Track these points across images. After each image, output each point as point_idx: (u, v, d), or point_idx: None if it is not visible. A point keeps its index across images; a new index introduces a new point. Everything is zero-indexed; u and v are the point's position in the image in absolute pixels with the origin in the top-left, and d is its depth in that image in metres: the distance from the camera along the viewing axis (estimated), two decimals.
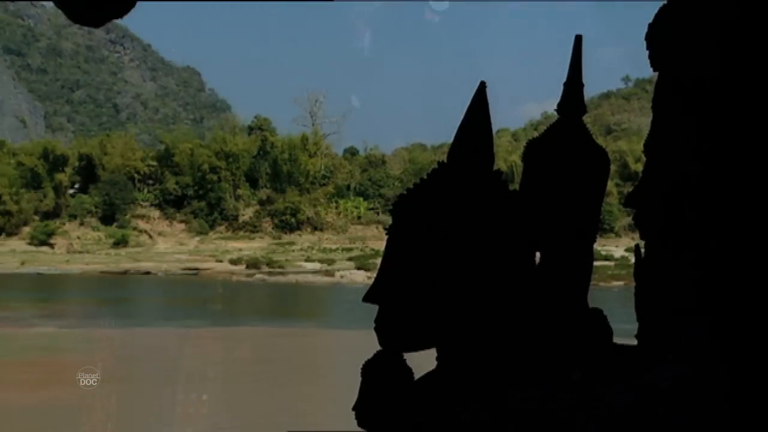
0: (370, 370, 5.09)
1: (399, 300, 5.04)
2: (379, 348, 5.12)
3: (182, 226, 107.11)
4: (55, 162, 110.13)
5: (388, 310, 5.06)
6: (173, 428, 29.83)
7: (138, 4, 5.18)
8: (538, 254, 5.25)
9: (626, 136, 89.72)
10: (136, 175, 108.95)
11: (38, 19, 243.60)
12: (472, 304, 4.96)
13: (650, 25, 4.96)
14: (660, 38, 4.92)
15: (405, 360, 5.10)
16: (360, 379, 5.14)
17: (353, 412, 5.13)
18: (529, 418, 4.77)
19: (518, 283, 5.04)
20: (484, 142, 5.22)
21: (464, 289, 4.95)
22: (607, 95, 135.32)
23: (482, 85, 5.27)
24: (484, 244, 4.99)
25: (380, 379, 5.07)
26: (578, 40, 5.39)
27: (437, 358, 5.15)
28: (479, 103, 5.23)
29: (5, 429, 29.12)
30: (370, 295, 5.12)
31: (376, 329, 5.07)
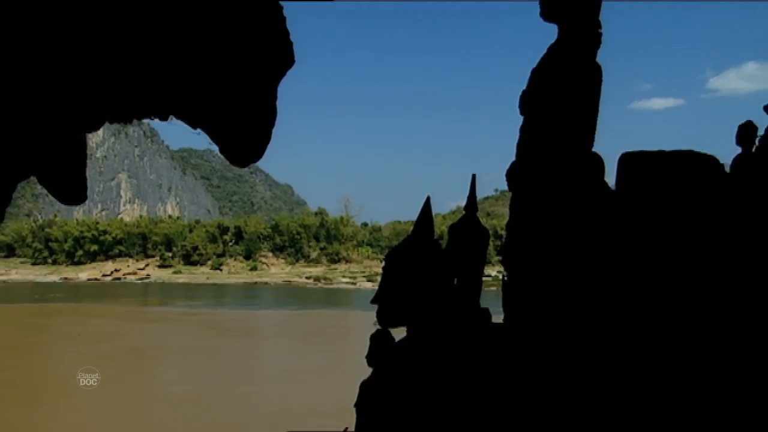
0: (374, 337, 5.06)
1: (388, 301, 5.04)
2: (378, 327, 5.08)
3: (282, 260, 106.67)
4: (223, 229, 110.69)
5: (383, 307, 5.05)
6: (305, 358, 29.48)
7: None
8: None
9: (497, 218, 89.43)
10: (261, 236, 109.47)
11: (216, 161, 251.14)
12: (424, 301, 4.95)
13: (508, 171, 4.96)
14: (512, 179, 4.93)
15: (390, 332, 5.10)
16: (369, 341, 5.13)
17: (366, 360, 5.09)
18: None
19: (444, 293, 5.03)
20: (428, 228, 5.22)
21: (418, 296, 4.95)
22: (487, 197, 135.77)
23: (428, 198, 5.28)
24: (428, 273, 5.00)
25: (379, 342, 5.05)
26: (473, 177, 5.40)
27: (406, 331, 5.11)
28: (426, 208, 5.24)
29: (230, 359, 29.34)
30: (374, 299, 5.10)
31: (376, 316, 5.05)
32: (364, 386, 4.89)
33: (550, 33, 4.71)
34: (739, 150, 5.92)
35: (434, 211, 5.43)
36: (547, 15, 4.65)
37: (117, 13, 3.30)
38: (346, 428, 4.82)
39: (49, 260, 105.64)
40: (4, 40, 3.11)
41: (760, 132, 5.90)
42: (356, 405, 4.89)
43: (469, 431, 4.52)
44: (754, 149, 5.84)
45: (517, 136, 4.94)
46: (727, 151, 5.75)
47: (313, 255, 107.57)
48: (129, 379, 24.37)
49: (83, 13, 3.24)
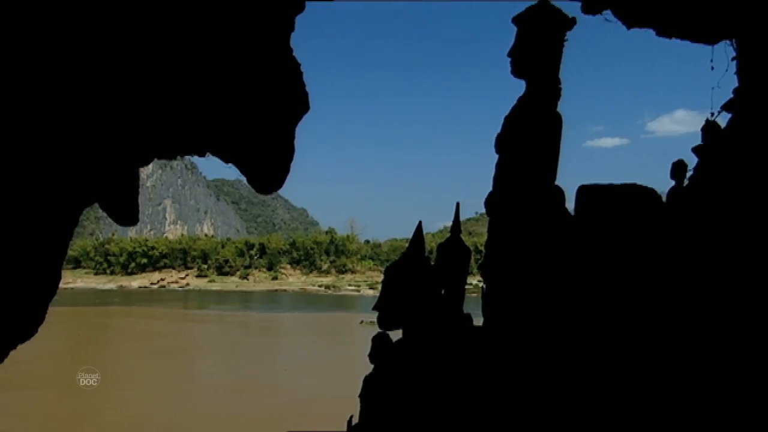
0: (375, 339, 4.90)
1: (387, 308, 4.94)
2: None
3: (299, 271, 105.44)
4: (250, 246, 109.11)
5: (383, 313, 4.94)
6: (318, 353, 28.63)
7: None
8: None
9: (477, 236, 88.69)
10: (281, 251, 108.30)
11: (244, 189, 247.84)
12: (417, 308, 4.87)
13: (486, 199, 4.92)
14: (489, 206, 4.90)
15: (389, 335, 4.97)
16: (371, 342, 4.99)
17: (368, 357, 4.93)
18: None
19: (433, 301, 4.94)
20: (420, 247, 5.11)
21: (412, 303, 4.86)
22: (469, 219, 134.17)
23: (420, 223, 5.19)
24: (420, 285, 4.93)
25: (379, 343, 4.90)
26: (457, 205, 5.33)
27: (402, 333, 4.98)
28: (418, 230, 5.16)
29: (258, 356, 28.23)
30: (375, 306, 4.96)
31: (377, 320, 4.89)
32: (367, 380, 4.79)
33: (520, 85, 4.77)
34: (673, 183, 5.94)
35: (424, 231, 5.37)
36: (516, 72, 4.72)
37: (165, 86, 3.36)
38: (351, 416, 4.69)
39: (108, 271, 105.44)
40: (82, 99, 3.12)
41: (690, 168, 5.92)
42: (360, 396, 4.78)
43: (453, 416, 4.43)
44: (685, 183, 5.85)
45: (493, 168, 4.96)
46: (663, 184, 5.75)
47: (324, 267, 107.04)
48: (176, 369, 24.17)
49: (137, 80, 3.27)
